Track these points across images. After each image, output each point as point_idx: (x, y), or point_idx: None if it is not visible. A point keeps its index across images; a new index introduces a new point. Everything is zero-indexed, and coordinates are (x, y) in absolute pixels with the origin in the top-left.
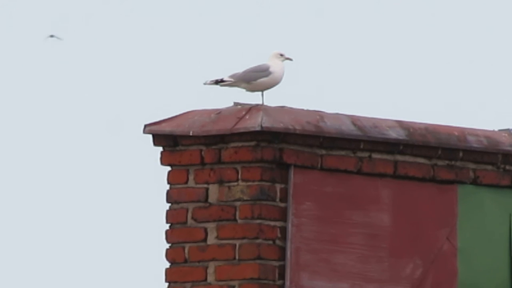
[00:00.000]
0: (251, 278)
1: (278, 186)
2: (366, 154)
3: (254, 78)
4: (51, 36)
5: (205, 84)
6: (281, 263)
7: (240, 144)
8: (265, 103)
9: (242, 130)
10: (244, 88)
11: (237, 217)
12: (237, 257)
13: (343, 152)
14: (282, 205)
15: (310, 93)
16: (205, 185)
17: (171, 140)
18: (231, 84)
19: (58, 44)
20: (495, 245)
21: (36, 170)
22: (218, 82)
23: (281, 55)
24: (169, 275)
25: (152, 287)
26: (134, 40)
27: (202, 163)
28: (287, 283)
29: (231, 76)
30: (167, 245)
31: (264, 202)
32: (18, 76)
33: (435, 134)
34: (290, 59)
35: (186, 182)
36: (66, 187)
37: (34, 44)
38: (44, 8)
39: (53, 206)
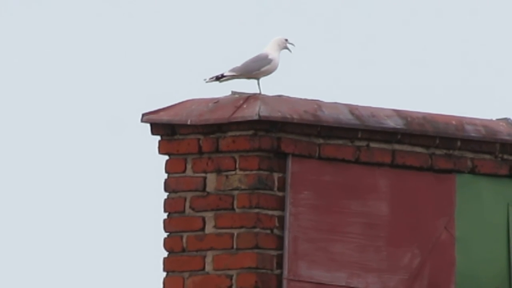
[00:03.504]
0: (249, 267)
1: (276, 175)
2: (364, 143)
3: (257, 68)
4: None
5: (205, 81)
6: (279, 252)
7: (238, 133)
8: (262, 92)
9: (240, 119)
10: (244, 77)
11: (235, 206)
12: (235, 246)
13: (341, 141)
14: (280, 194)
15: (307, 82)
16: (203, 174)
17: (169, 129)
18: (233, 77)
19: (55, 35)
20: (493, 235)
21: (32, 161)
22: (219, 78)
23: (286, 39)
24: (167, 264)
25: (150, 277)
26: (132, 29)
27: (200, 152)
28: (285, 272)
29: (231, 70)
30: (165, 234)
31: (262, 191)
32: (14, 69)
33: (433, 123)
34: (292, 44)
35: (184, 171)
36: (64, 177)
37: (31, 39)
38: (42, 3)
39: (50, 196)
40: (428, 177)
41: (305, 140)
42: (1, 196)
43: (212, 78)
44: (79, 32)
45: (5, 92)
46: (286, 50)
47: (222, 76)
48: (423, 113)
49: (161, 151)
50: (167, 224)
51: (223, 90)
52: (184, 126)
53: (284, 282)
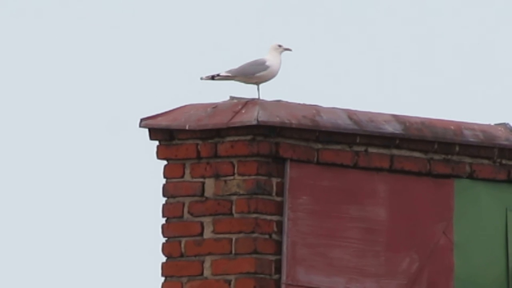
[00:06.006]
0: (248, 272)
1: (274, 180)
2: (362, 148)
3: (252, 72)
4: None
5: (201, 79)
6: (278, 257)
7: (236, 138)
8: (261, 97)
9: (238, 124)
10: (240, 81)
11: (234, 211)
12: (233, 251)
13: (339, 146)
14: (279, 199)
15: (306, 87)
16: (202, 179)
17: (167, 134)
18: (227, 78)
19: (54, 38)
20: (491, 240)
21: (31, 165)
22: (214, 77)
23: (279, 46)
24: (166, 270)
25: (148, 282)
26: (130, 34)
27: (198, 157)
28: (284, 277)
29: (228, 72)
30: (164, 239)
31: (260, 196)
32: (14, 73)
33: (431, 128)
34: (289, 50)
35: (183, 176)
36: (62, 181)
37: (30, 39)
38: (42, 3)
39: (49, 200)
40: (426, 182)
41: (303, 145)
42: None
43: (208, 76)
44: (78, 37)
45: (5, 95)
46: (287, 51)
47: (218, 75)
48: (422, 118)
49: (160, 156)
50: (165, 229)
51: (221, 96)
52: (183, 131)
53: (283, 287)
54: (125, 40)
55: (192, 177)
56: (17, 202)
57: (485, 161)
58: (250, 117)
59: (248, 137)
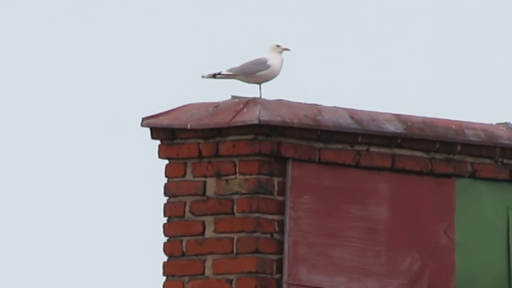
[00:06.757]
0: (249, 272)
1: (275, 180)
2: (364, 148)
3: (253, 71)
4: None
5: (203, 77)
6: (279, 256)
7: (237, 137)
8: (263, 97)
9: (239, 124)
10: (241, 80)
11: (235, 211)
12: (235, 251)
13: (340, 146)
14: (280, 198)
15: (308, 87)
16: (203, 179)
17: (169, 133)
18: (228, 77)
19: (55, 37)
20: (492, 239)
21: (32, 165)
22: (215, 75)
23: (278, 46)
24: (167, 269)
25: (150, 281)
26: (131, 33)
27: (200, 157)
28: (285, 276)
29: (229, 70)
30: (165, 239)
31: (262, 196)
32: (15, 73)
33: (433, 127)
34: (288, 49)
35: (184, 176)
36: (64, 181)
37: (31, 39)
38: (41, 2)
39: (51, 200)
40: (428, 181)
41: (305, 145)
42: (0, 198)
43: (210, 74)
44: (79, 36)
45: (5, 95)
46: (287, 50)
47: (220, 73)
48: (423, 118)
49: (161, 155)
50: (167, 229)
51: (223, 95)
52: (184, 130)
53: (284, 287)
54: (126, 39)
55: (194, 176)
56: (19, 201)
57: (487, 161)
58: (251, 116)
59: (250, 137)
